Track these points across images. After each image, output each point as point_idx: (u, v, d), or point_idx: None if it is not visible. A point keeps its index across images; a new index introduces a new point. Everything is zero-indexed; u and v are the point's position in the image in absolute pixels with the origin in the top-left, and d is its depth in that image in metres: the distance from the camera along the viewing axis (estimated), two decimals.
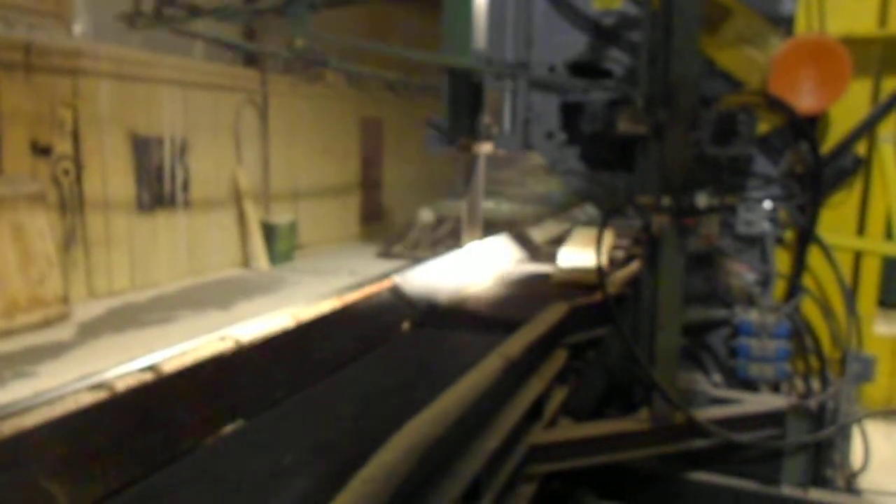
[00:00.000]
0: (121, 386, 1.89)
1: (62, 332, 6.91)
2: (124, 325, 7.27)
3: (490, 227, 4.82)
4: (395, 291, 3.33)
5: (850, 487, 2.88)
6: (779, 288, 3.03)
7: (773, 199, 2.98)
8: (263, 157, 10.90)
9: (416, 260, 4.16)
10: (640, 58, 2.54)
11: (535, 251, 5.13)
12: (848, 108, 2.80)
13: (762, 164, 2.98)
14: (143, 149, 8.77)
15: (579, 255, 4.15)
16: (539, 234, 5.67)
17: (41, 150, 7.49)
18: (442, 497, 1.69)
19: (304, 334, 2.68)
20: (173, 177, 9.27)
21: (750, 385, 3.00)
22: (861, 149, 2.87)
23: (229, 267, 10.32)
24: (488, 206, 10.18)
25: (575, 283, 3.81)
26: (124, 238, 8.56)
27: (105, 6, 7.95)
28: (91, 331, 7.02)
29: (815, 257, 2.96)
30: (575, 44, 3.16)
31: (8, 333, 6.63)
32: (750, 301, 3.01)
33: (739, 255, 3.07)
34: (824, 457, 2.79)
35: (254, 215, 10.44)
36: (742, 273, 3.03)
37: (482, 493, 1.89)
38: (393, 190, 14.75)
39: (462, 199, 4.21)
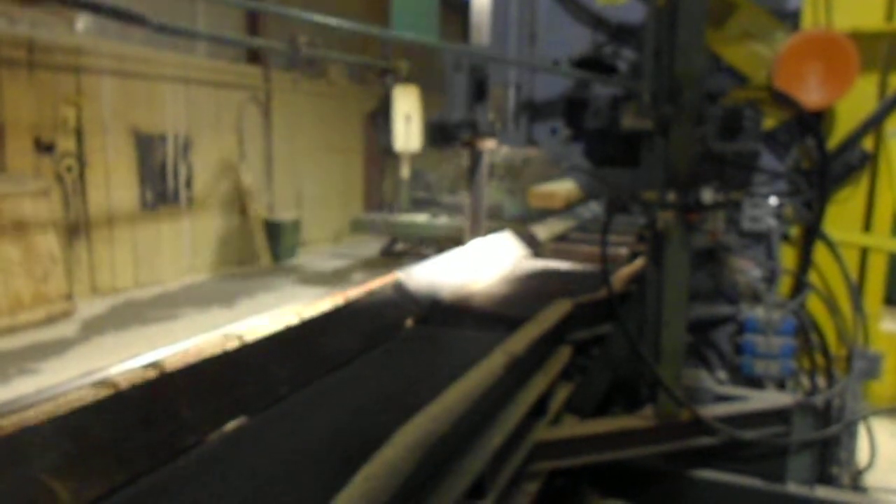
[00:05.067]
0: (124, 382, 1.89)
1: (66, 329, 6.93)
2: (128, 322, 7.28)
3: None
4: (399, 288, 3.31)
5: (856, 485, 2.87)
6: (784, 284, 3.02)
7: (779, 194, 2.96)
8: (266, 155, 10.89)
9: (420, 256, 4.14)
10: (644, 53, 2.53)
11: (538, 248, 5.11)
12: (855, 103, 2.79)
13: (768, 160, 2.96)
14: (146, 146, 8.78)
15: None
16: (543, 231, 5.65)
17: (44, 148, 7.50)
18: (446, 494, 1.68)
19: (308, 331, 2.66)
20: (176, 174, 9.27)
21: (755, 382, 2.99)
22: (868, 144, 2.86)
23: (233, 264, 10.33)
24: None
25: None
26: (128, 235, 8.57)
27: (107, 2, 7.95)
28: (95, 328, 7.04)
29: (821, 254, 2.95)
30: (579, 39, 3.15)
31: (12, 330, 6.65)
32: (755, 298, 2.99)
33: (745, 251, 3.05)
34: (830, 454, 2.78)
35: (257, 212, 10.44)
36: (747, 269, 3.01)
37: (486, 490, 1.88)
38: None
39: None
